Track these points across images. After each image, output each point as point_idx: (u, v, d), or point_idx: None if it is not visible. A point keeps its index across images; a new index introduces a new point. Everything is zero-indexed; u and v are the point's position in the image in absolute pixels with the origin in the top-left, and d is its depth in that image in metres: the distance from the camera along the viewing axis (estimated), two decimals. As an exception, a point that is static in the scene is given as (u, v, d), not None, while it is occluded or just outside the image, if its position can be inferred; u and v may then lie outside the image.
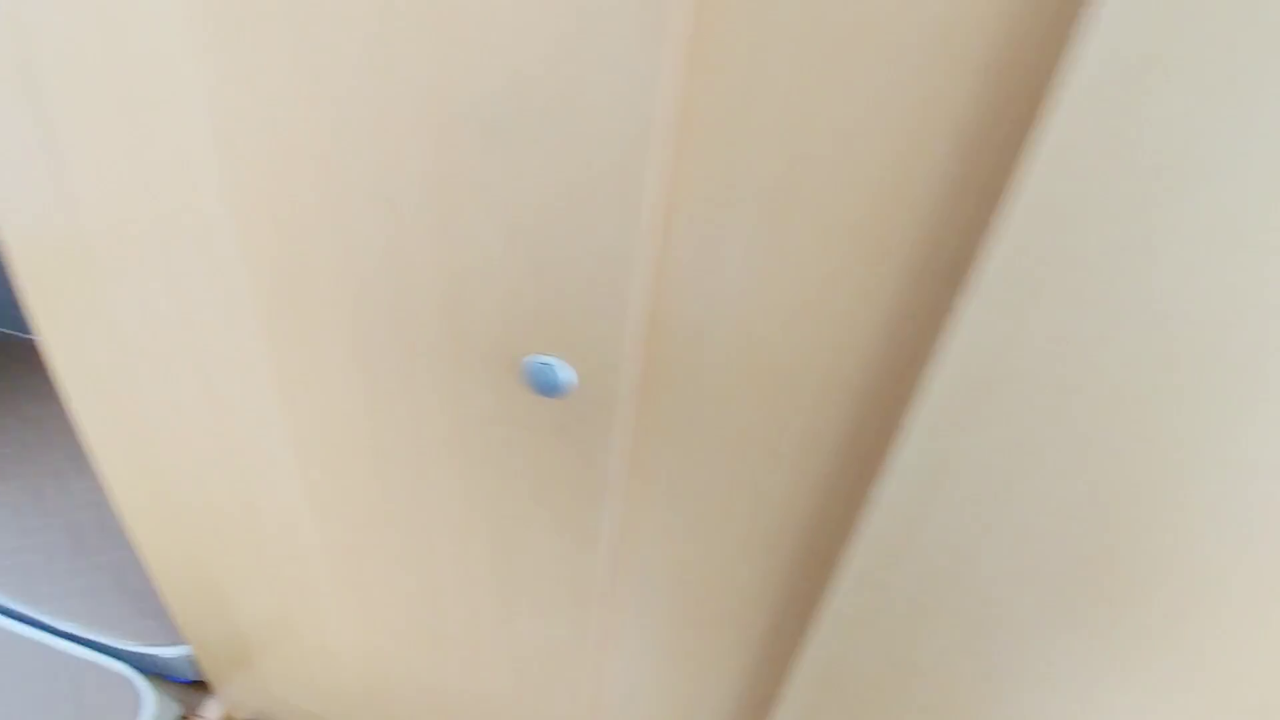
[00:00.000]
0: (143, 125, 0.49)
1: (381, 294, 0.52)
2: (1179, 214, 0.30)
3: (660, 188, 0.41)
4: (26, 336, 1.97)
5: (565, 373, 0.48)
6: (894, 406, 0.43)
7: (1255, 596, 0.38)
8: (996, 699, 0.50)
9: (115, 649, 1.19)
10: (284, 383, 0.62)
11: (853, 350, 0.42)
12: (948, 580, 0.46)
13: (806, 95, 0.35)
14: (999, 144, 0.33)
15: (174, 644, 1.18)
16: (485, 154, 0.42)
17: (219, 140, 0.48)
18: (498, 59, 0.38)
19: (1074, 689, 0.47)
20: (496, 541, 0.65)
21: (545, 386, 0.49)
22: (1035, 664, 0.47)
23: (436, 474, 0.62)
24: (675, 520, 0.56)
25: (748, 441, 0.49)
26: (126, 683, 1.14)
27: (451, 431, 0.58)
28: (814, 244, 0.40)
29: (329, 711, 1.10)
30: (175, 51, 0.45)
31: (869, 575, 0.48)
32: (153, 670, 1.20)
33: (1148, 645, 0.43)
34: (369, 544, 0.73)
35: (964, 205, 0.35)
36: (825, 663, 0.55)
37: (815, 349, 0.43)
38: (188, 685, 1.24)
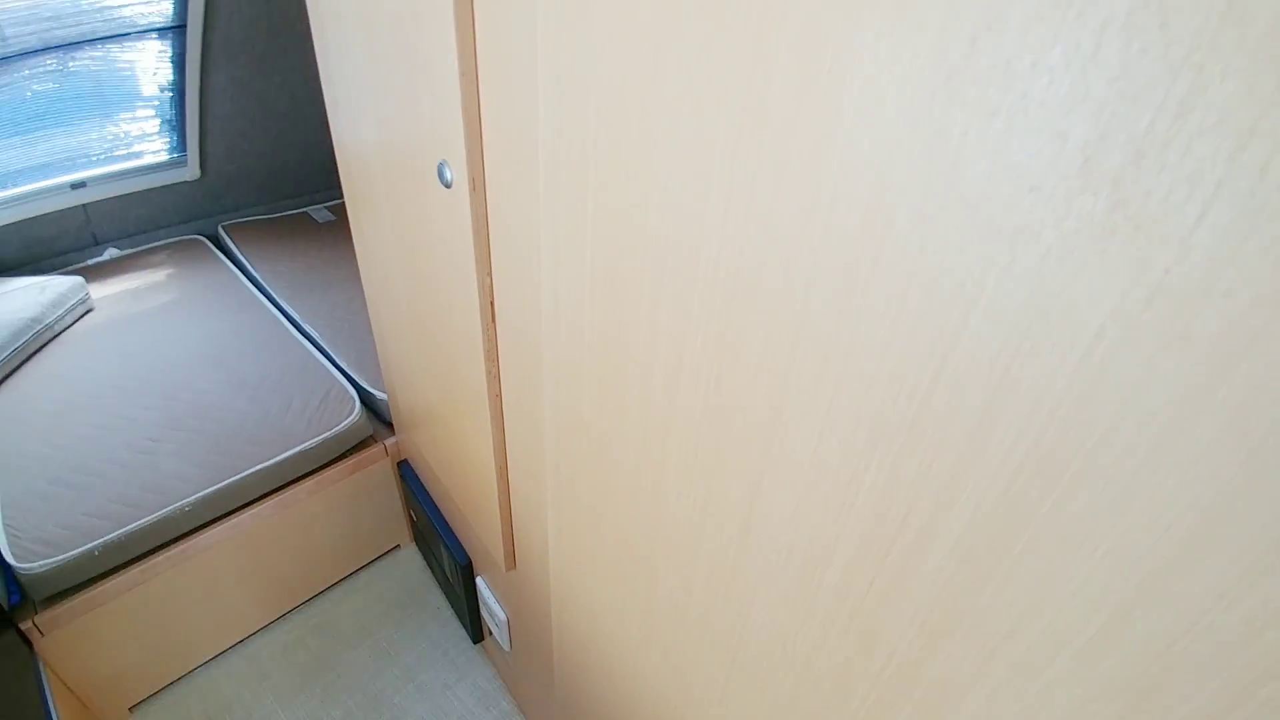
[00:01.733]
0: None
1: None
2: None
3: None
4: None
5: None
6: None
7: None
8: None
9: (349, 375, 1.66)
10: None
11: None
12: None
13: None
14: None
15: (382, 391, 1.58)
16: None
17: None
18: None
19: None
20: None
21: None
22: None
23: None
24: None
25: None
26: (350, 398, 1.59)
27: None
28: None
29: (456, 492, 1.41)
30: None
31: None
32: (366, 401, 1.64)
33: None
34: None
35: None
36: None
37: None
38: (384, 423, 1.66)
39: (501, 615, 1.24)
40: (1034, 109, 0.23)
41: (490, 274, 0.70)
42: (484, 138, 0.61)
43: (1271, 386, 0.21)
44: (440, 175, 0.69)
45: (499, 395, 0.80)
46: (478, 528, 1.09)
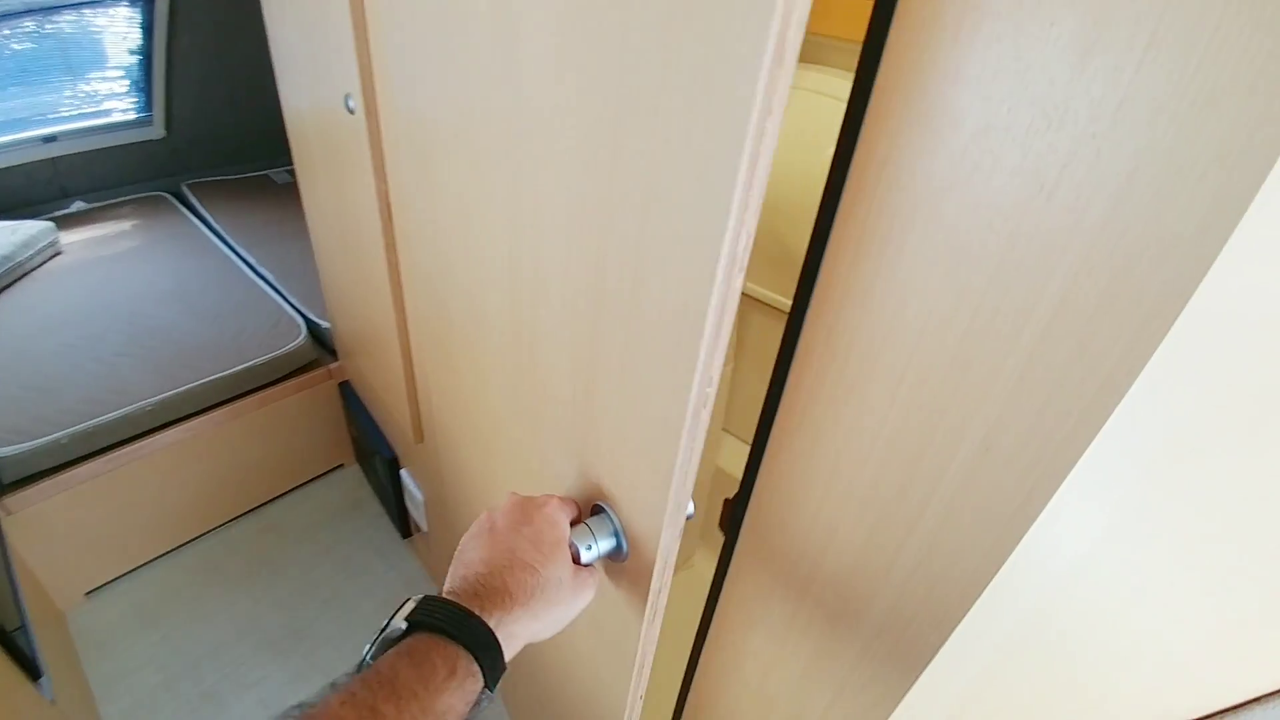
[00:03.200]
0: None
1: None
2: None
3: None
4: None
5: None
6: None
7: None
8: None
9: (298, 307, 1.85)
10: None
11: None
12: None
13: None
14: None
15: (327, 320, 1.77)
16: None
17: None
18: None
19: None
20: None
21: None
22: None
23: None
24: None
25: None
26: (298, 326, 1.78)
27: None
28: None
29: (382, 390, 1.60)
30: None
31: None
32: (313, 330, 1.83)
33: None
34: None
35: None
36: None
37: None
38: (328, 351, 1.84)
39: (419, 497, 1.44)
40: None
41: (386, 180, 0.91)
42: (374, 75, 0.82)
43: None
44: (346, 105, 0.89)
45: (399, 283, 1.01)
46: (395, 412, 1.30)
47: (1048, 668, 0.49)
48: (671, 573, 0.50)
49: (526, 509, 0.50)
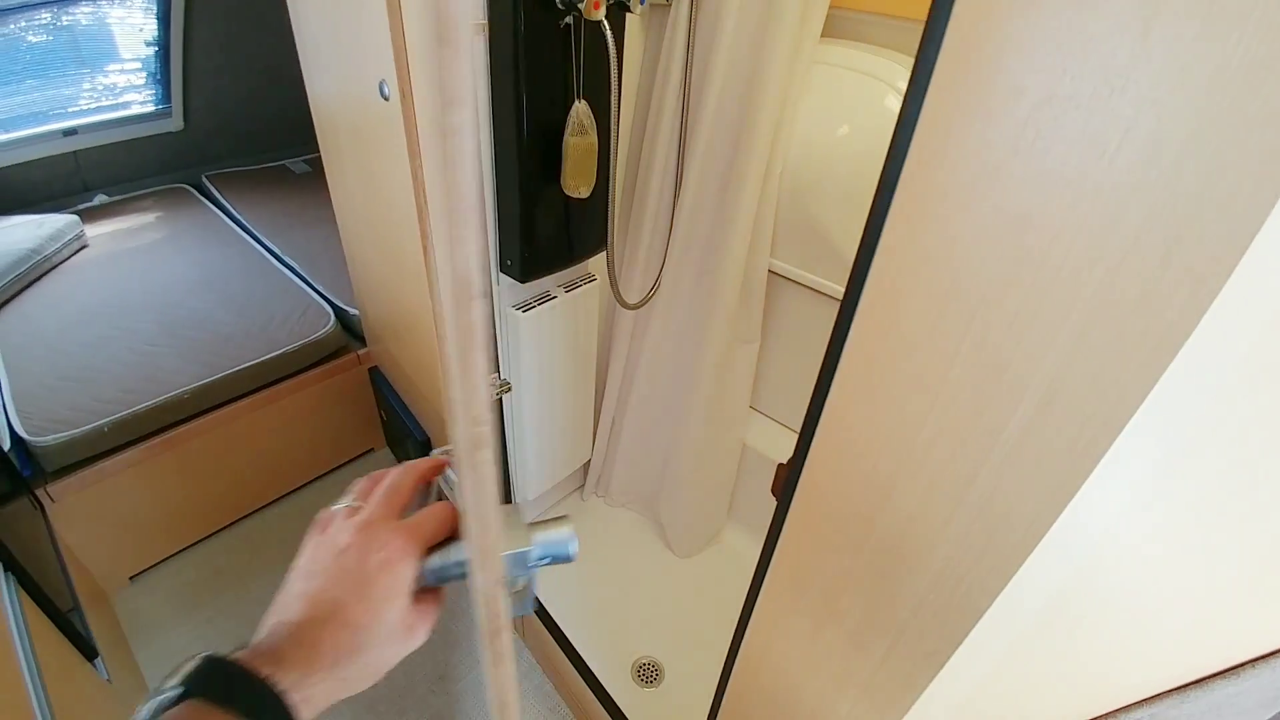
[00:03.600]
0: None
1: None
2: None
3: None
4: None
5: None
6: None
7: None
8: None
9: (325, 295, 1.89)
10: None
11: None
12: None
13: None
14: None
15: (354, 307, 1.81)
16: None
17: None
18: None
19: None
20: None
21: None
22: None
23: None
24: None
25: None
26: (326, 313, 1.82)
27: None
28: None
29: (415, 374, 1.64)
30: None
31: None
32: (340, 318, 1.87)
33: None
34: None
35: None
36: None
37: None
38: (356, 337, 1.88)
39: (453, 477, 1.48)
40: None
41: (421, 164, 0.93)
42: (409, 61, 0.84)
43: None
44: (380, 91, 0.92)
45: (435, 266, 1.04)
46: (428, 394, 1.33)
47: (1090, 621, 0.51)
48: (503, 621, 0.39)
49: (365, 548, 0.42)
